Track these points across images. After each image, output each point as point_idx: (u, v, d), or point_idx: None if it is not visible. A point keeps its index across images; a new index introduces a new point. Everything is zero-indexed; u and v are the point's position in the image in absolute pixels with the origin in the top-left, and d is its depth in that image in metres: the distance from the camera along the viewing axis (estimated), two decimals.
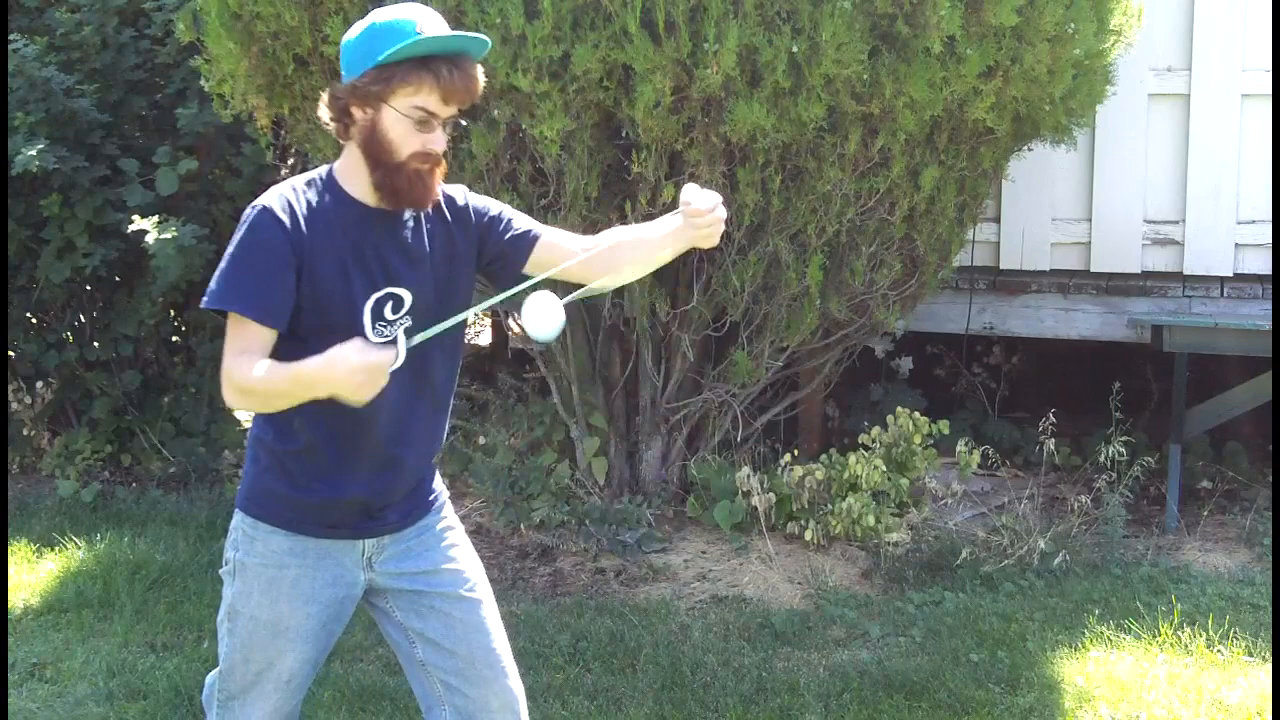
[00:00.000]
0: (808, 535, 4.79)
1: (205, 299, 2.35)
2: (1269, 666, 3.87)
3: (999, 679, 3.87)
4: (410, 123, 2.33)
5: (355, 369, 2.20)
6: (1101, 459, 4.98)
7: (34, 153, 5.34)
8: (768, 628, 4.26)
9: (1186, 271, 5.69)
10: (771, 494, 4.83)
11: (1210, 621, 4.17)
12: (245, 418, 5.90)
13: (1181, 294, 5.57)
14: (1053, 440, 5.00)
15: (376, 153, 2.36)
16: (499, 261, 2.55)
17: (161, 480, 5.88)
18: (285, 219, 2.33)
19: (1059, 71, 4.54)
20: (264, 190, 2.43)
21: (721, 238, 2.47)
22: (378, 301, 2.39)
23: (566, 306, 2.28)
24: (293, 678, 2.53)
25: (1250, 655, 3.99)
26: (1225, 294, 5.55)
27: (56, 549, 5.09)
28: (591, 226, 4.12)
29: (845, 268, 4.77)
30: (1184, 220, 5.70)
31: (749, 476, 4.83)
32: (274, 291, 2.32)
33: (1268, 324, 5.09)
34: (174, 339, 6.40)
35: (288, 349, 2.36)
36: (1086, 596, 4.43)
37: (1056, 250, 5.84)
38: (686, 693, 3.82)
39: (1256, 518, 5.05)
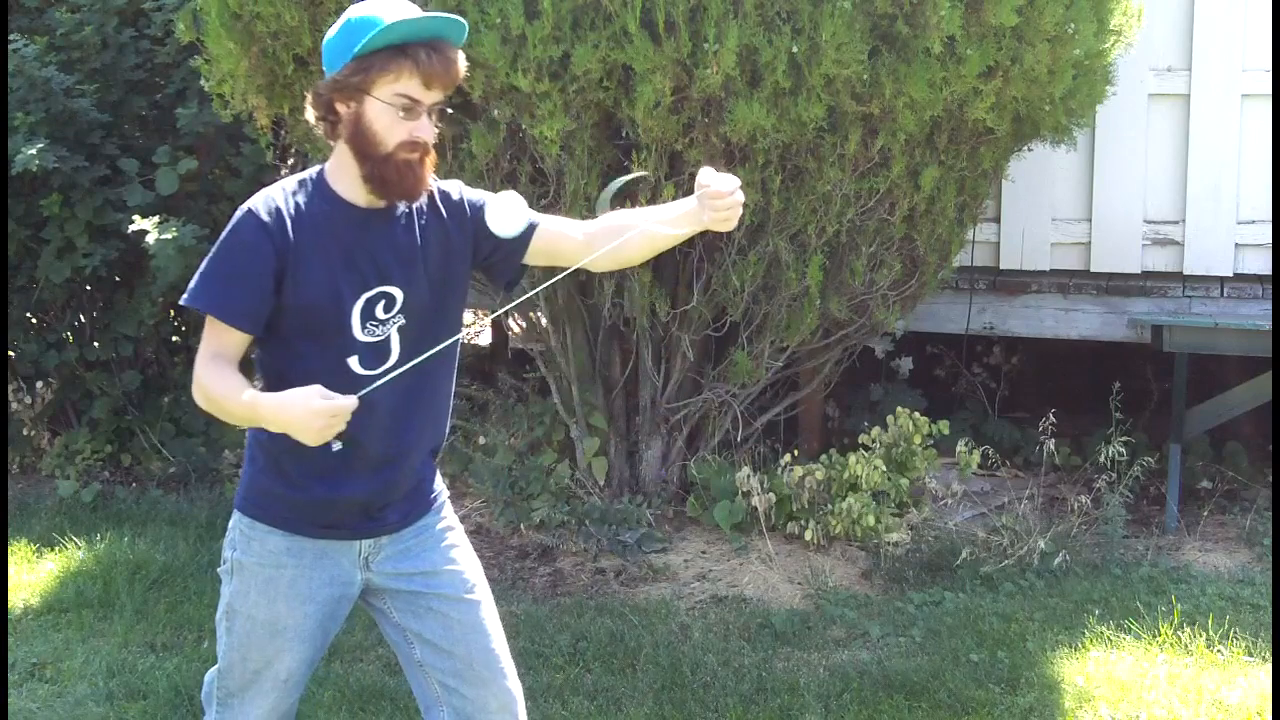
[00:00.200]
0: (808, 535, 4.79)
1: (184, 296, 2.39)
2: (1269, 666, 3.87)
3: (999, 679, 3.87)
4: (394, 112, 2.32)
5: (315, 413, 2.20)
6: (1101, 459, 4.98)
7: (34, 152, 5.34)
8: (768, 628, 4.26)
9: (1186, 271, 5.68)
10: (771, 494, 4.83)
11: (1210, 621, 4.17)
12: None
13: (1181, 294, 5.56)
14: (1053, 440, 5.00)
15: (363, 146, 2.35)
16: (497, 254, 2.53)
17: (161, 480, 5.87)
18: (269, 221, 2.34)
19: (1059, 72, 4.54)
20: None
21: (722, 238, 2.46)
22: (368, 301, 2.38)
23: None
24: (290, 677, 2.53)
25: (1250, 655, 3.99)
26: (1225, 294, 5.54)
27: (56, 549, 5.09)
28: None
29: (845, 268, 4.77)
30: (1184, 220, 5.69)
31: (749, 476, 4.83)
32: (247, 294, 2.33)
33: (1268, 324, 5.09)
34: (174, 339, 6.39)
35: (273, 349, 2.37)
36: (1086, 596, 4.43)
37: (1056, 250, 5.83)
38: (686, 693, 3.82)
39: (1256, 518, 5.05)
